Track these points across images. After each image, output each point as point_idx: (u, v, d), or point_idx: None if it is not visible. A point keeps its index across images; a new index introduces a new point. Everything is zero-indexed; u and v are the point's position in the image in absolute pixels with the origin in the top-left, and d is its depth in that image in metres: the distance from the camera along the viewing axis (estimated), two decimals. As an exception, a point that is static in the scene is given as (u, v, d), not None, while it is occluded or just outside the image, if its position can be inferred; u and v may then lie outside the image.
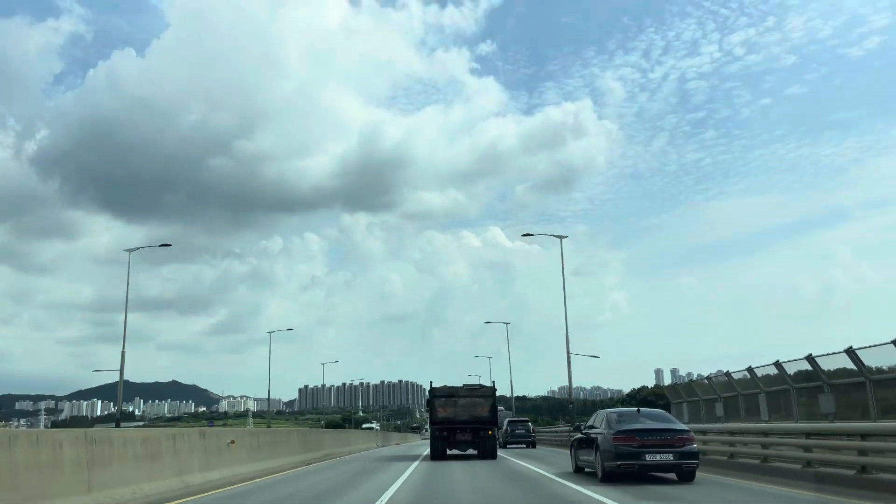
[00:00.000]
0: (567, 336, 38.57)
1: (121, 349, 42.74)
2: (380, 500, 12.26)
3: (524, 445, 40.14)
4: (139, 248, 47.53)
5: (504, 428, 40.88)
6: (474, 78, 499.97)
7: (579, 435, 17.99)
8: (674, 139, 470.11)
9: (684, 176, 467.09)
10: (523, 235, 43.84)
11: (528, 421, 43.15)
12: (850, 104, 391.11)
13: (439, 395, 26.68)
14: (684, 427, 15.18)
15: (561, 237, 40.28)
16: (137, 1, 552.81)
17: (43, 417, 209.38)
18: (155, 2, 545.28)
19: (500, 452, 29.04)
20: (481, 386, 28.19)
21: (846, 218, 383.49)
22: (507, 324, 68.86)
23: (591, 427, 16.95)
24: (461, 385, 27.48)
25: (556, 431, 46.00)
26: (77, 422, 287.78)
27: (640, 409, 16.46)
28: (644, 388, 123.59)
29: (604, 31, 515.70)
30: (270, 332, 71.74)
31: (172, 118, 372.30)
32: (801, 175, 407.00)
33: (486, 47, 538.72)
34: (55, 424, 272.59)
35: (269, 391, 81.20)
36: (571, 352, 37.96)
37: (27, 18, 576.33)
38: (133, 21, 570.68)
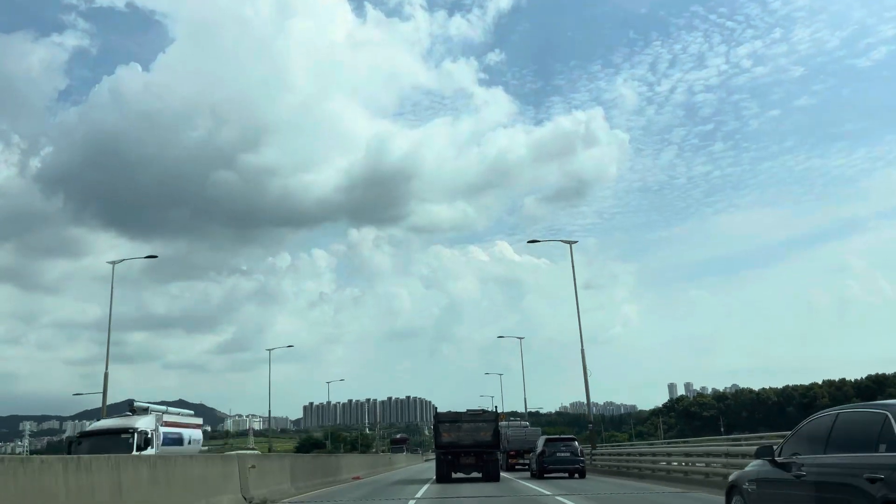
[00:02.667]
0: (583, 350, 36.44)
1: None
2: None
3: (567, 474, 28.73)
4: (122, 259, 46.32)
5: (540, 450, 29.52)
6: (482, 88, 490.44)
7: (762, 465, 7.52)
8: (682, 152, 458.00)
9: (693, 189, 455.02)
10: (529, 242, 46.18)
11: (573, 440, 30.21)
12: (859, 115, 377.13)
13: (444, 421, 27.64)
14: None
15: (570, 242, 37.57)
16: (142, 16, 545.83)
17: (27, 440, 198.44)
18: (160, 17, 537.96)
19: (535, 485, 23.64)
20: (484, 411, 29.65)
21: (859, 229, 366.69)
22: (520, 339, 67.91)
23: (807, 446, 6.59)
24: (465, 410, 28.49)
25: (610, 455, 34.71)
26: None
27: None
28: (683, 397, 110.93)
29: (609, 45, 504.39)
30: (270, 350, 73.23)
31: (177, 133, 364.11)
32: (812, 186, 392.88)
33: (494, 56, 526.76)
34: (49, 446, 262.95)
35: (269, 410, 71.59)
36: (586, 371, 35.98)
37: (31, 34, 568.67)
38: (138, 36, 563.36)
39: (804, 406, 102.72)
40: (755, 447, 9.38)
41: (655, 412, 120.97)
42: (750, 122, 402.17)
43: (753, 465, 8.22)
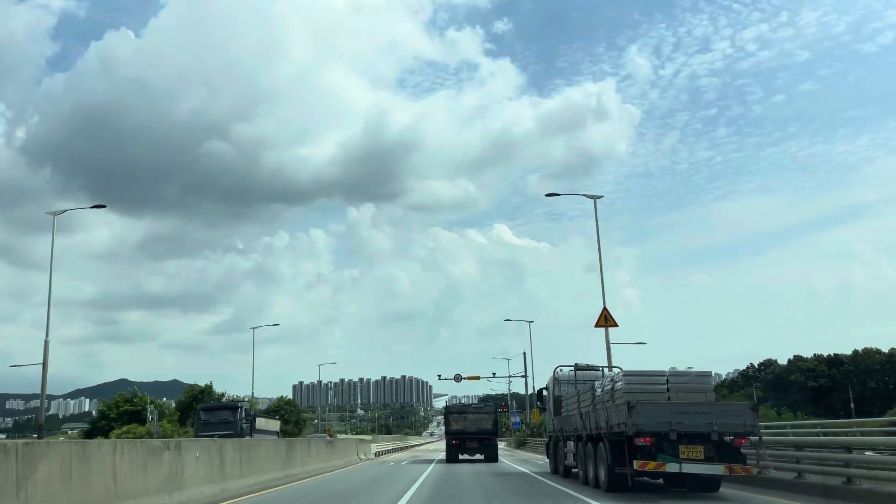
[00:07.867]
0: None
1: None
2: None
3: None
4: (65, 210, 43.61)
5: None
6: (489, 59, 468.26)
7: None
8: (685, 137, 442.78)
9: (695, 174, 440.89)
10: (547, 195, 34.57)
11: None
12: (864, 101, 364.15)
13: (452, 412, 34.59)
14: None
15: (595, 197, 32.74)
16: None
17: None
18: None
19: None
20: (486, 404, 45.11)
21: (863, 215, 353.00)
22: (529, 322, 62.11)
23: None
24: (470, 404, 40.06)
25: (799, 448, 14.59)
26: (46, 421, 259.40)
27: None
28: (772, 362, 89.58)
29: (613, 27, 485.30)
30: (254, 328, 65.03)
31: (169, 102, 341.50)
32: (815, 173, 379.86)
33: (501, 25, 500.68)
34: (16, 426, 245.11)
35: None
36: (612, 341, 29.66)
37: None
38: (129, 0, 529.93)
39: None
40: None
41: (732, 382, 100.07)
42: (754, 108, 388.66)
43: None
